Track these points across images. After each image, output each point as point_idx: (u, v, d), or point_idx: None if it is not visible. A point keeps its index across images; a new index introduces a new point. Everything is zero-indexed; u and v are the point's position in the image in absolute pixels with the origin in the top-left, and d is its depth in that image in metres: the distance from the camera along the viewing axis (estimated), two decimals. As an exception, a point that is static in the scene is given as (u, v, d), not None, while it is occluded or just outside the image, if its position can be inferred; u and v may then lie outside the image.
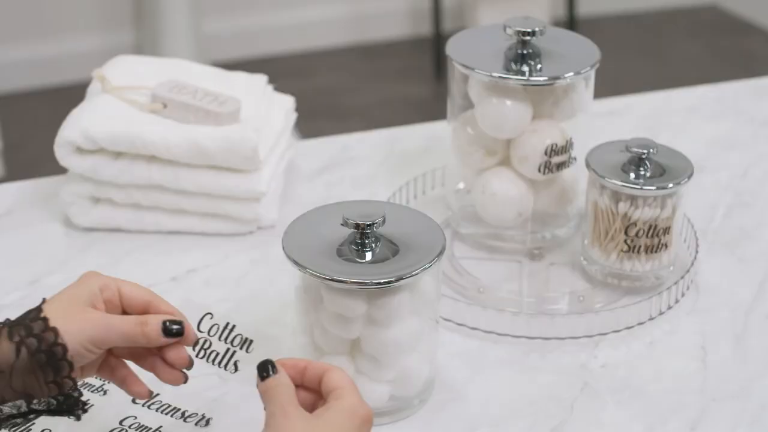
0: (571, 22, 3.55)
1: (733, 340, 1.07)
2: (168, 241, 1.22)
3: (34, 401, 0.79)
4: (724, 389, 1.01)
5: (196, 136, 1.19)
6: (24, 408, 0.80)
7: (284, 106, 1.33)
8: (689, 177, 1.10)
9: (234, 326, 0.86)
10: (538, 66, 1.14)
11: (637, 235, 1.10)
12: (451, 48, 1.17)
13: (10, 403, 0.79)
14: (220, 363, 0.86)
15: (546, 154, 1.14)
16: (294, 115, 1.36)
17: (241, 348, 0.86)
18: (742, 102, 1.54)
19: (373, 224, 0.92)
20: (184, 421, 0.96)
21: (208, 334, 0.85)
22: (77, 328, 0.80)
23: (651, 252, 1.11)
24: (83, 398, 0.82)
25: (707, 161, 1.38)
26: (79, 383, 0.99)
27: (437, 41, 3.42)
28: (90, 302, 0.82)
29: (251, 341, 0.85)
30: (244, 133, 1.19)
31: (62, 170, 1.25)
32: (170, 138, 1.19)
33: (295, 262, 0.92)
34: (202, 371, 1.01)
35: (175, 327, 0.83)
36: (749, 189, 1.33)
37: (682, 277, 1.12)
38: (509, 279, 1.16)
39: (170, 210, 1.23)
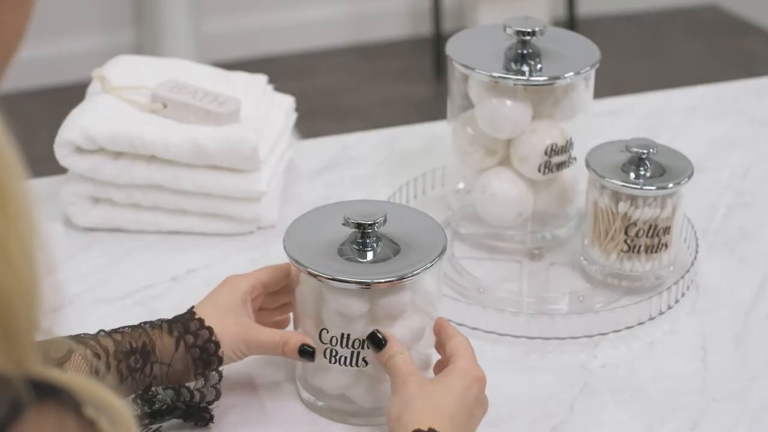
0: (571, 22, 3.55)
1: (733, 340, 1.07)
2: (168, 241, 1.22)
3: (180, 400, 0.91)
4: (724, 389, 1.01)
5: (196, 136, 1.19)
6: (169, 403, 0.91)
7: (284, 106, 1.33)
8: (689, 177, 1.10)
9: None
10: (538, 66, 1.14)
11: (637, 235, 1.10)
12: (451, 48, 1.17)
13: (160, 397, 0.90)
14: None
15: (546, 154, 1.14)
16: (294, 115, 1.36)
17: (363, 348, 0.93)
18: (742, 102, 1.54)
19: (375, 224, 0.92)
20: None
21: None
22: (231, 335, 0.92)
23: (651, 252, 1.11)
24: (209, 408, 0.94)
25: (707, 161, 1.38)
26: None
27: (437, 41, 3.42)
28: (242, 308, 0.94)
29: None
30: (244, 133, 1.19)
31: (62, 170, 1.25)
32: (170, 138, 1.19)
33: (297, 262, 0.92)
34: (202, 371, 1.01)
35: (309, 350, 0.92)
36: (749, 189, 1.33)
37: (682, 277, 1.12)
38: (509, 279, 1.16)
39: (170, 210, 1.23)
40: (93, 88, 1.27)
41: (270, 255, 1.19)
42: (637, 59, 3.57)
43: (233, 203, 1.22)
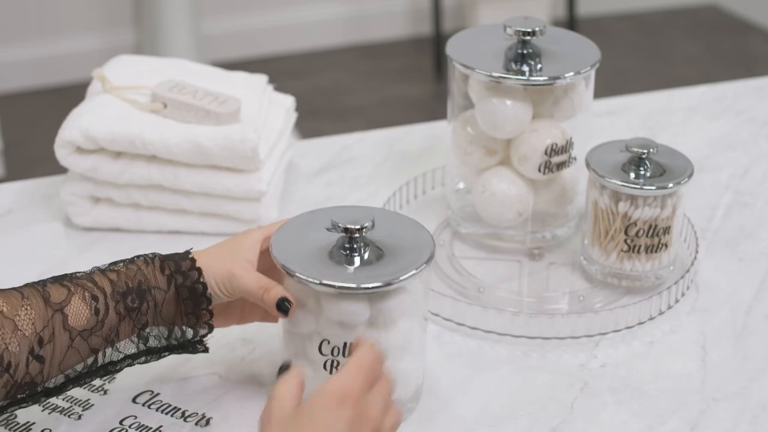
0: (571, 22, 3.55)
1: (733, 340, 1.07)
2: (168, 241, 1.22)
3: (172, 337, 0.93)
4: (724, 389, 1.01)
5: (196, 135, 1.19)
6: (163, 341, 0.93)
7: (284, 105, 1.33)
8: (689, 177, 1.10)
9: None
10: (538, 66, 1.14)
11: (637, 234, 1.10)
12: (451, 48, 1.17)
13: (155, 334, 0.92)
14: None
15: (546, 153, 1.14)
16: (294, 115, 1.36)
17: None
18: (742, 102, 1.54)
19: (362, 228, 0.90)
20: (184, 421, 0.96)
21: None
22: (220, 272, 0.92)
23: (651, 252, 1.11)
24: (202, 342, 0.95)
25: (707, 161, 1.39)
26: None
27: (437, 41, 3.42)
28: (244, 252, 0.93)
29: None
30: (244, 133, 1.19)
31: (62, 170, 1.25)
32: (170, 138, 1.19)
33: (298, 276, 0.89)
34: (202, 371, 1.02)
35: (287, 306, 0.91)
36: (749, 189, 1.33)
37: (682, 277, 1.12)
38: (509, 279, 1.16)
39: (170, 210, 1.23)
40: (93, 88, 1.27)
41: (270, 255, 1.19)
42: (637, 59, 3.57)
43: (233, 203, 1.22)
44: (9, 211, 1.28)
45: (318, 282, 0.88)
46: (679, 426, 0.96)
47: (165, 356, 0.94)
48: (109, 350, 0.90)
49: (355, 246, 0.91)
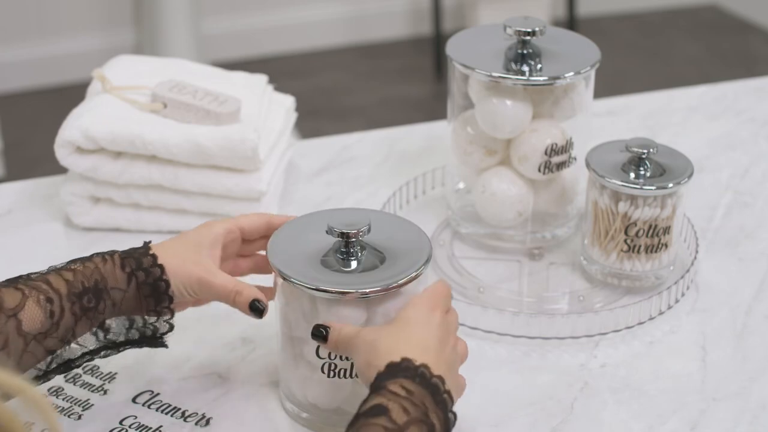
0: (571, 22, 3.55)
1: (733, 340, 1.07)
2: (168, 241, 1.22)
3: (133, 328, 0.91)
4: (724, 389, 1.01)
5: (196, 135, 1.19)
6: (123, 334, 0.91)
7: (284, 105, 1.33)
8: (689, 177, 1.10)
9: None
10: (538, 66, 1.14)
11: (637, 234, 1.10)
12: (451, 48, 1.17)
13: (115, 328, 0.90)
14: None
15: (546, 153, 1.14)
16: (294, 115, 1.36)
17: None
18: (742, 102, 1.54)
19: (359, 232, 0.90)
20: (184, 421, 0.96)
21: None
22: (186, 273, 0.91)
23: (651, 252, 1.11)
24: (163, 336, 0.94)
25: (707, 161, 1.39)
26: (78, 383, 1.00)
27: (437, 41, 3.42)
28: (208, 249, 0.93)
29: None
30: (244, 133, 1.19)
31: (62, 170, 1.25)
32: (170, 138, 1.19)
33: (294, 281, 0.88)
34: (202, 371, 1.02)
35: (259, 307, 0.92)
36: (749, 189, 1.33)
37: (682, 277, 1.12)
38: (509, 279, 1.16)
39: (170, 210, 1.23)
40: (93, 88, 1.27)
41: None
42: (637, 59, 3.57)
43: (233, 203, 1.22)
44: (9, 211, 1.28)
45: (314, 287, 0.88)
46: (679, 426, 0.96)
47: (124, 350, 0.93)
48: (67, 347, 0.88)
49: (351, 250, 0.91)
